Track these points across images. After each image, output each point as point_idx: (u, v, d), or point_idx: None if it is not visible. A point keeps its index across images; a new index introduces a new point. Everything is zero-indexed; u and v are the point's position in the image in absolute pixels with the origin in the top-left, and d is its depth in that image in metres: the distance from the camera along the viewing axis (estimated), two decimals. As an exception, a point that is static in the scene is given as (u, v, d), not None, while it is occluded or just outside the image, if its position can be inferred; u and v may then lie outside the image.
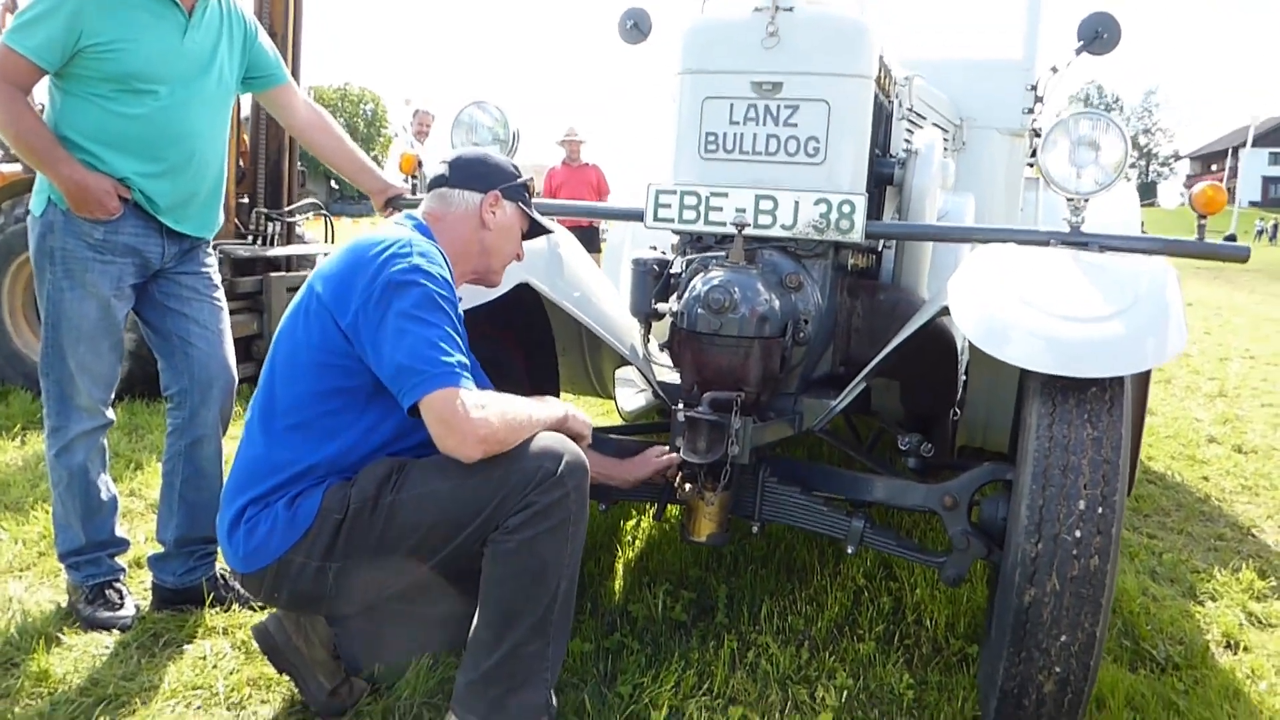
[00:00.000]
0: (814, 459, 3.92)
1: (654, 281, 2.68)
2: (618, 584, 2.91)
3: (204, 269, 2.67)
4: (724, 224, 2.51)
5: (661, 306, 2.56)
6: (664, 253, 2.78)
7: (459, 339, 1.90)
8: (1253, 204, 70.44)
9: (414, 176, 2.93)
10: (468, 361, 1.89)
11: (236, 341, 2.79)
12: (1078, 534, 1.90)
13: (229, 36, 2.59)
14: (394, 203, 2.93)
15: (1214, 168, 78.58)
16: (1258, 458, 5.19)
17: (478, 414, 1.81)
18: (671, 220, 2.58)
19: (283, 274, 5.58)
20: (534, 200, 2.37)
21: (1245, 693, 2.47)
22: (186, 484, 2.62)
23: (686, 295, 2.42)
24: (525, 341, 2.99)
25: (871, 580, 2.96)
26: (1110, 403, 1.97)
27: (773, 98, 2.53)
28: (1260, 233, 49.28)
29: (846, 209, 2.43)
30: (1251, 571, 3.31)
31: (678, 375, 2.60)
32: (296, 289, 5.93)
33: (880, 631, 2.64)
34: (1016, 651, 1.97)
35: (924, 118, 3.27)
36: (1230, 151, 65.22)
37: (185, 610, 2.58)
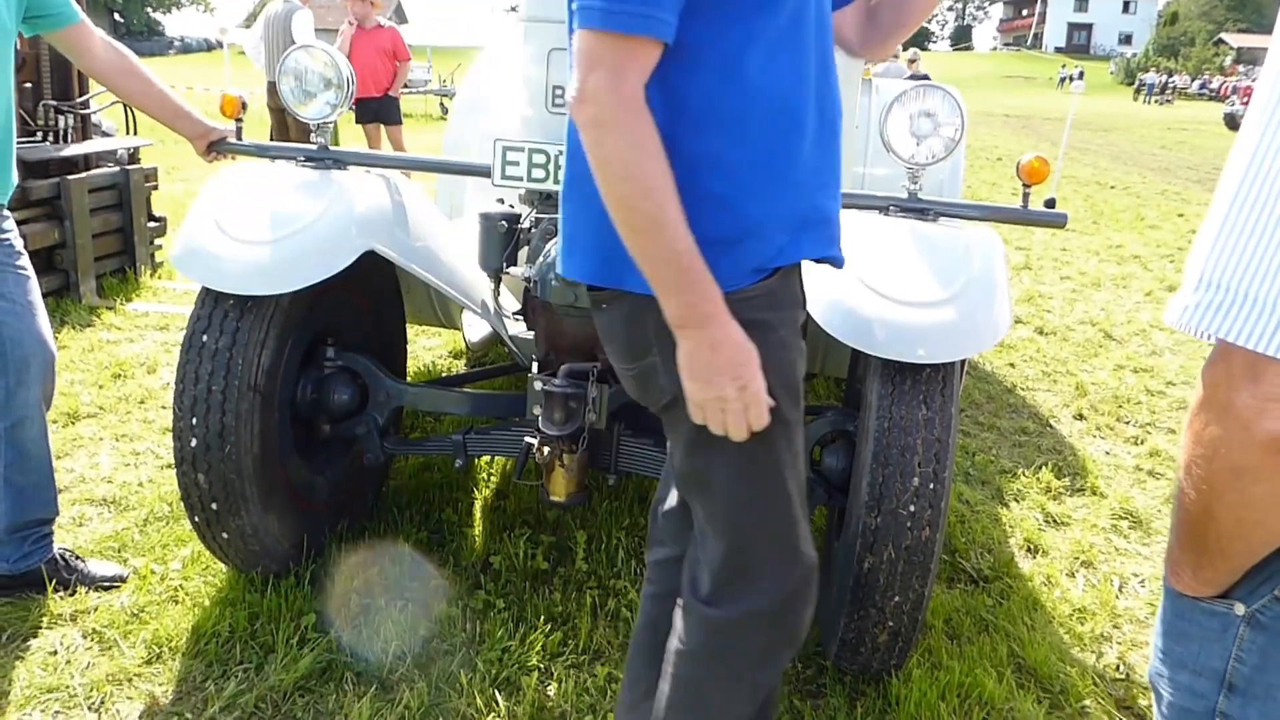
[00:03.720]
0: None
1: (502, 238, 2.62)
2: (477, 531, 2.97)
3: (2, 235, 2.43)
4: (575, 184, 2.48)
5: (515, 270, 2.53)
6: (511, 205, 2.72)
7: None
8: (1058, 50, 73.74)
9: (238, 119, 2.72)
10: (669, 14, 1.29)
11: (37, 253, 2.57)
12: (911, 509, 2.07)
13: (4, -31, 2.27)
14: (218, 146, 2.72)
15: (1024, 12, 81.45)
16: (1056, 340, 5.69)
17: (612, 95, 1.26)
18: (520, 179, 2.51)
19: (82, 175, 5.10)
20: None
21: (1042, 601, 2.81)
22: (11, 468, 2.46)
23: (540, 263, 2.40)
24: (369, 291, 2.90)
25: (719, 508, 3.14)
26: (943, 383, 2.13)
27: (622, 52, 2.47)
28: (1064, 79, 51.97)
29: (697, 172, 2.44)
30: (1049, 471, 3.70)
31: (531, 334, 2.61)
32: (100, 190, 5.49)
33: (729, 566, 2.82)
34: (855, 610, 2.17)
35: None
36: (1040, -3, 67.63)
37: (26, 597, 2.47)
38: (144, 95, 2.60)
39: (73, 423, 3.59)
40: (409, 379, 3.35)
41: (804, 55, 1.42)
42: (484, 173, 2.60)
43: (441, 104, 21.44)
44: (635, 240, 1.32)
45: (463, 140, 4.10)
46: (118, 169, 5.44)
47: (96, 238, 5.24)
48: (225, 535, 2.42)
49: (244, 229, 2.35)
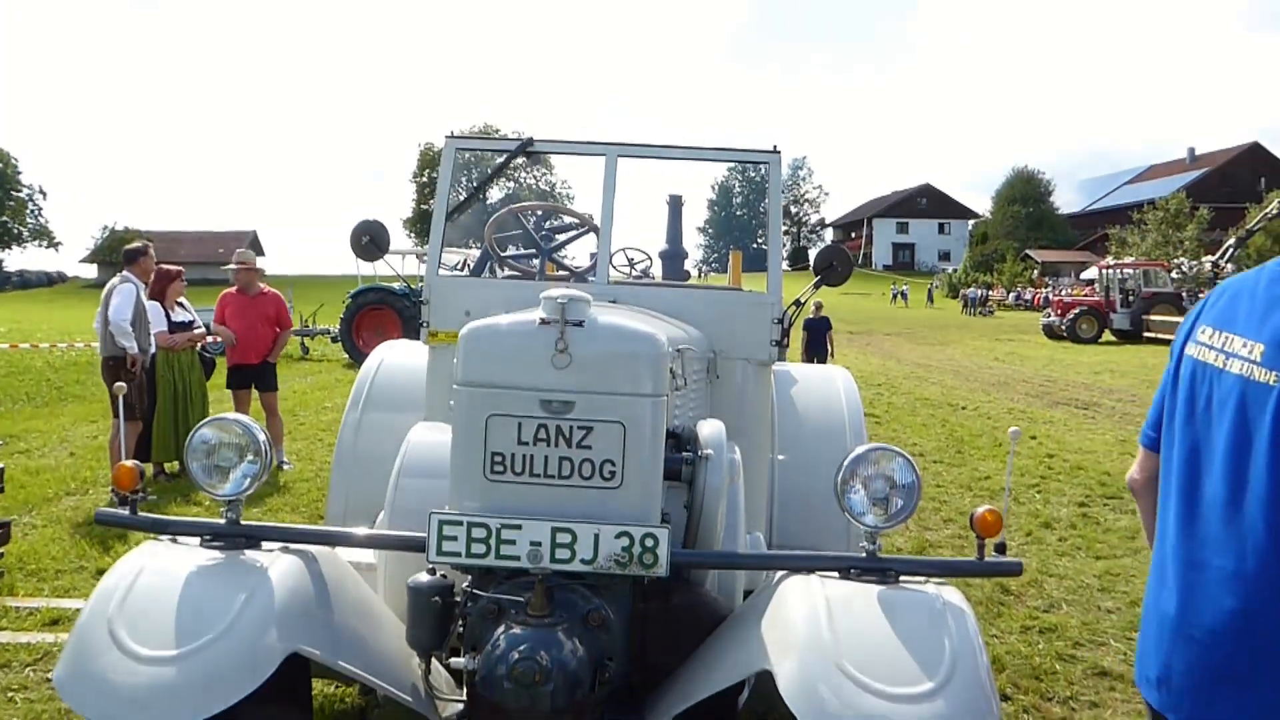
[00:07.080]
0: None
1: (436, 615, 2.38)
2: None
3: None
4: (518, 558, 2.31)
5: (455, 662, 2.28)
6: (444, 575, 2.50)
7: None
8: (886, 268, 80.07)
9: (135, 492, 2.45)
10: None
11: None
12: None
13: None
14: (108, 520, 2.44)
15: (854, 234, 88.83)
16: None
17: None
18: (459, 554, 2.33)
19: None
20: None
21: None
22: None
23: (489, 655, 2.18)
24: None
25: None
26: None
27: (564, 417, 2.38)
28: (895, 295, 56.16)
29: (650, 542, 2.31)
30: None
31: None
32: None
33: None
34: None
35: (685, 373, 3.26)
36: (865, 221, 73.95)
37: None
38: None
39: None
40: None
41: None
42: (417, 547, 2.40)
43: (303, 343, 21.10)
44: None
45: (360, 438, 4.04)
46: (-41, 475, 4.94)
47: (-72, 555, 4.66)
48: None
49: (144, 642, 2.06)
